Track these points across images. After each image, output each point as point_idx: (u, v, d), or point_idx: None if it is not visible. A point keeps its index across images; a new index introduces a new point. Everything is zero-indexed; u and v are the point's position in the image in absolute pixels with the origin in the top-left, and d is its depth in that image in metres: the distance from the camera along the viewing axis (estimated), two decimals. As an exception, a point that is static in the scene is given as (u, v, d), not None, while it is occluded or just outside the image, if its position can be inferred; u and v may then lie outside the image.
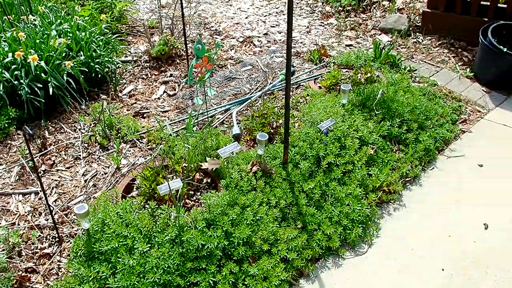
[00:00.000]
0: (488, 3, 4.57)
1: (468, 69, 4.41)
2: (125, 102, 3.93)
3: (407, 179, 3.17)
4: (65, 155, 3.26)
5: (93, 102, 3.87)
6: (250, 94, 3.95)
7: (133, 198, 2.78)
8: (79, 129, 3.51)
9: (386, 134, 3.34)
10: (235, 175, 2.81)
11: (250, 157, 3.02)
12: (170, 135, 3.36)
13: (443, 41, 4.90)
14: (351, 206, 2.78)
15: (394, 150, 3.33)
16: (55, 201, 2.91)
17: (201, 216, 2.53)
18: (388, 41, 5.03)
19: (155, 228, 2.48)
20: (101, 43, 4.14)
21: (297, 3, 6.31)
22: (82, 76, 3.85)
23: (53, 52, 3.69)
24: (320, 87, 3.97)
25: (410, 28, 5.12)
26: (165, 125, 3.47)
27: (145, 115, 3.75)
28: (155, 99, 3.98)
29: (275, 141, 3.21)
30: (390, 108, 3.48)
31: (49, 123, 3.59)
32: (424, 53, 4.75)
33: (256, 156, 2.98)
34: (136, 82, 4.24)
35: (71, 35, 4.04)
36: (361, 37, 5.19)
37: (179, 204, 2.53)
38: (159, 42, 4.61)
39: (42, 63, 3.52)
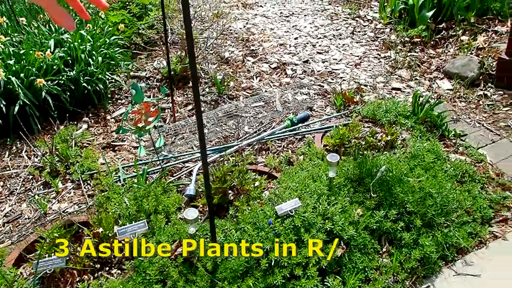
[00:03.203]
0: None
1: (539, 144, 3.34)
2: (108, 128, 3.54)
3: (382, 299, 2.36)
4: (2, 186, 2.95)
5: (76, 123, 3.55)
6: (240, 140, 3.33)
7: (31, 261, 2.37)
8: (37, 156, 3.20)
9: (375, 227, 2.54)
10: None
11: (184, 232, 2.45)
12: (118, 180, 2.89)
13: (519, 99, 3.82)
14: (276, 332, 2.09)
15: (380, 252, 2.53)
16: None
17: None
18: (449, 89, 4.05)
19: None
20: (99, 58, 3.79)
21: (364, 26, 5.47)
22: (68, 93, 3.55)
23: (31, 66, 3.41)
24: (325, 145, 3.23)
25: (481, 77, 4.08)
26: (118, 168, 3.01)
27: (116, 148, 3.33)
28: (138, 128, 3.54)
29: (228, 214, 2.59)
30: (392, 192, 2.66)
31: (18, 143, 3.33)
32: (487, 113, 3.72)
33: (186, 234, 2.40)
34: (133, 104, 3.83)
35: (71, 45, 3.75)
36: (416, 79, 4.26)
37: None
38: (175, 60, 4.17)
39: (13, 78, 3.25)
